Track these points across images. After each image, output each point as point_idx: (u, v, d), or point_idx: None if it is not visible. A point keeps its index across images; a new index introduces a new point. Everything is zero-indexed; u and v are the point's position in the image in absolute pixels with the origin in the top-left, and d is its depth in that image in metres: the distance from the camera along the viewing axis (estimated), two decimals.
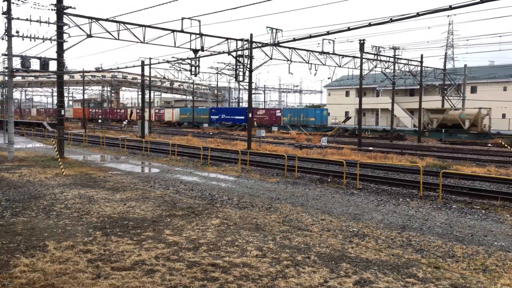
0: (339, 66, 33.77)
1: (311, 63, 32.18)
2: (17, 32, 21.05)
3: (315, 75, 38.26)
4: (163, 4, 17.62)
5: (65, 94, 78.57)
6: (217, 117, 62.70)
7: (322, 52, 31.17)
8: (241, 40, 27.76)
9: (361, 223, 9.75)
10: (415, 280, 6.34)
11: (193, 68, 30.12)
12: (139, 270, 6.48)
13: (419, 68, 40.66)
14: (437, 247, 8.05)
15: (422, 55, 40.19)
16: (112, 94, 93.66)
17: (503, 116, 50.49)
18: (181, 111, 71.87)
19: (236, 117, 59.59)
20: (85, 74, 62.80)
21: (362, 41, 32.29)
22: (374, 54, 35.69)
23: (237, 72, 30.26)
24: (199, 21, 24.22)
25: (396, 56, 37.98)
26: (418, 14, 12.03)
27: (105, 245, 7.69)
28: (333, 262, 7.02)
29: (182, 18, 23.66)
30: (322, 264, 6.91)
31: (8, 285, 5.87)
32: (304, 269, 6.65)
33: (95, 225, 9.05)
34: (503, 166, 21.28)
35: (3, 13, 20.79)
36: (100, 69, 53.59)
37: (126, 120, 70.18)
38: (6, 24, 20.86)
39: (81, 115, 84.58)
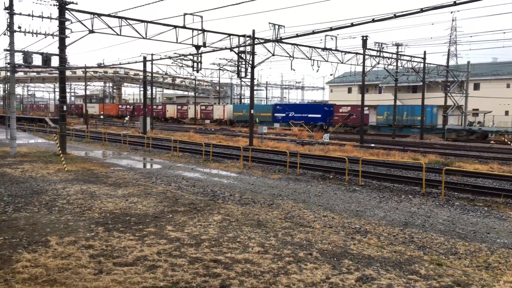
0: (342, 63, 33.67)
1: (314, 60, 32.09)
2: (19, 27, 21.03)
3: (317, 71, 38.16)
4: None
5: (67, 90, 78.35)
6: (284, 115, 52.78)
7: (324, 49, 31.08)
8: (243, 36, 27.69)
9: (363, 220, 9.74)
10: (418, 277, 6.32)
11: (195, 64, 30.07)
12: (141, 266, 6.48)
13: (422, 65, 40.52)
14: (440, 244, 8.02)
15: (425, 52, 40.04)
16: (114, 90, 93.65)
17: (506, 113, 50.32)
18: (235, 108, 62.04)
19: (310, 115, 49.60)
20: (87, 70, 62.77)
21: (365, 38, 32.18)
22: (377, 51, 35.56)
23: (239, 68, 30.23)
24: (201, 17, 24.18)
25: (399, 53, 37.85)
26: (422, 10, 11.97)
27: (107, 240, 7.70)
28: (335, 259, 7.01)
29: (184, 14, 23.61)
30: (324, 261, 6.90)
31: (10, 280, 5.88)
32: (306, 266, 6.64)
33: (97, 221, 9.06)
34: (506, 163, 21.21)
35: (5, 8, 20.76)
36: (102, 65, 53.54)
37: (128, 116, 69.60)
38: (8, 19, 20.83)
39: (110, 111, 78.66)
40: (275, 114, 54.08)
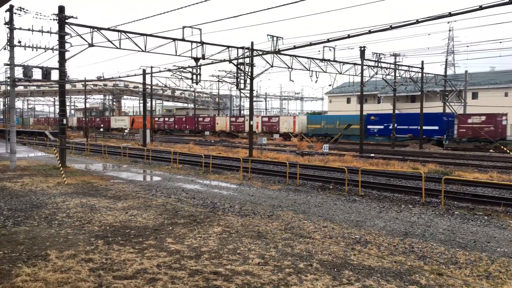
0: (340, 73, 33.87)
1: (312, 70, 32.29)
2: (19, 42, 21.21)
3: (316, 82, 37.76)
4: (164, 13, 17.77)
5: (67, 103, 78.20)
6: (381, 127, 43.73)
7: (323, 59, 31.29)
8: (242, 48, 27.90)
9: (363, 230, 9.73)
10: (418, 287, 6.31)
11: (194, 76, 30.23)
12: (141, 279, 6.47)
13: (420, 75, 40.74)
14: (440, 254, 8.01)
15: (422, 62, 40.34)
16: (114, 103, 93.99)
17: None
18: (310, 119, 51.18)
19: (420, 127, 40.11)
20: (87, 83, 63.05)
21: (362, 48, 32.41)
22: (375, 61, 35.80)
23: (238, 80, 30.37)
24: (200, 29, 24.38)
25: (397, 63, 38.09)
26: (417, 21, 12.09)
27: (107, 254, 7.68)
28: (335, 270, 7.00)
29: (183, 27, 23.82)
30: (324, 272, 6.89)
31: None
32: (306, 277, 6.62)
33: (97, 234, 9.05)
34: (506, 172, 21.22)
35: (6, 23, 20.95)
36: (102, 78, 53.84)
37: (128, 129, 68.80)
38: (9, 34, 21.01)
39: (142, 125, 73.06)
40: (368, 126, 44.76)
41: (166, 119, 70.41)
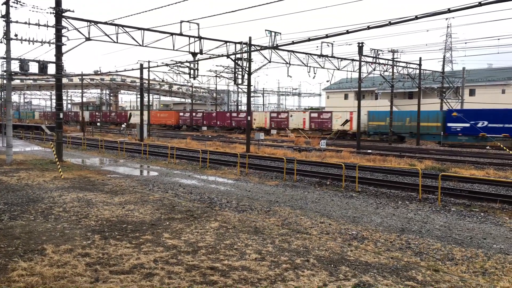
0: (338, 69, 33.84)
1: (310, 66, 32.24)
2: (16, 35, 21.03)
3: (314, 78, 37.37)
4: (161, 7, 17.67)
5: (64, 97, 77.79)
6: (466, 125, 37.79)
7: (321, 55, 31.24)
8: (240, 43, 27.81)
9: (360, 226, 9.74)
10: (415, 283, 6.33)
11: (192, 71, 30.14)
12: (137, 274, 6.46)
13: (417, 71, 40.76)
14: (436, 250, 8.04)
15: (420, 58, 40.27)
16: (111, 97, 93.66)
17: None
18: (371, 115, 44.39)
19: None
20: (83, 77, 62.71)
21: (360, 44, 32.38)
22: (373, 57, 35.77)
23: (236, 75, 30.31)
24: (198, 24, 24.29)
25: (395, 59, 38.07)
26: (416, 17, 12.06)
27: (104, 248, 7.67)
28: (332, 265, 7.01)
29: (181, 21, 23.71)
30: (321, 267, 6.89)
31: None
32: (303, 272, 6.63)
33: (93, 229, 9.02)
34: (502, 168, 21.29)
35: (2, 17, 20.77)
36: (99, 72, 53.57)
37: (125, 124, 68.22)
38: (5, 27, 20.85)
39: (165, 121, 65.48)
40: (449, 124, 39.15)
41: (194, 114, 64.44)
